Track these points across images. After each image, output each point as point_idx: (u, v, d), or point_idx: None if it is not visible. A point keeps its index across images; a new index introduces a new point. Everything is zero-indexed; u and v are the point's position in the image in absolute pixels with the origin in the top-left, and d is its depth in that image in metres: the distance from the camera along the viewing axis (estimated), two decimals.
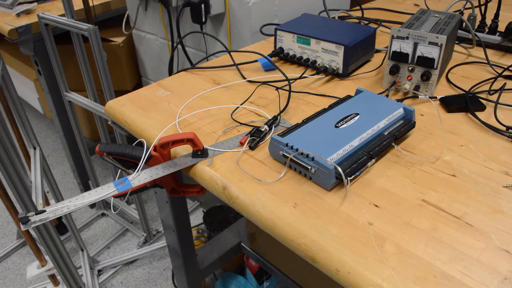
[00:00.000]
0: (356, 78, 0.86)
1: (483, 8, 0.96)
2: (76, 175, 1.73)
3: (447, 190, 0.56)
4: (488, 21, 0.96)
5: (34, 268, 1.18)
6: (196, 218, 1.71)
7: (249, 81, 0.84)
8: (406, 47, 0.75)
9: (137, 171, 0.59)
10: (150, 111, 0.75)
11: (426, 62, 0.75)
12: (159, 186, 0.63)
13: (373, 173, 0.59)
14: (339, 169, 0.53)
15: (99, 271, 1.50)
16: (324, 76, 0.86)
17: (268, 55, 0.90)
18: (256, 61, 0.90)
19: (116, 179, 0.59)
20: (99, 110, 1.32)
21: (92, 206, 1.81)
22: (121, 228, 1.68)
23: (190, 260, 1.04)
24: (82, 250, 1.46)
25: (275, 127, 0.68)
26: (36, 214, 0.53)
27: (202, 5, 1.10)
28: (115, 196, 0.57)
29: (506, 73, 0.83)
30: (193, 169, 0.62)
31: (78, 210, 1.81)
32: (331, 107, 0.69)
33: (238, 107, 0.75)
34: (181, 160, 0.62)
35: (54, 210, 0.53)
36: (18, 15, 1.37)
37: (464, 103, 0.73)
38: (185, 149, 0.64)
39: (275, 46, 0.94)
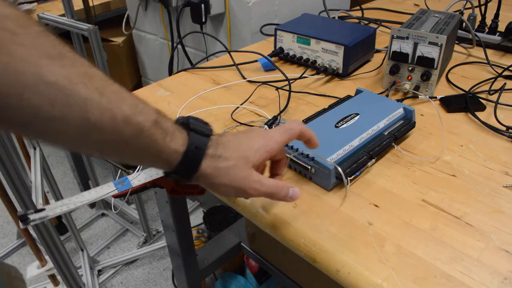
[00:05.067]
0: (356, 78, 0.86)
1: (483, 8, 0.96)
2: (76, 175, 1.73)
3: (447, 190, 0.56)
4: (488, 21, 0.96)
5: (34, 268, 1.18)
6: (196, 218, 1.71)
7: (249, 81, 0.84)
8: (406, 47, 0.75)
9: (137, 171, 0.59)
10: None
11: (426, 62, 0.75)
12: (159, 186, 0.63)
13: (373, 173, 0.59)
14: (339, 169, 0.53)
15: (99, 271, 1.50)
16: (324, 76, 0.86)
17: (268, 55, 0.90)
18: (256, 61, 0.90)
19: (116, 179, 0.59)
20: None
21: (92, 206, 1.81)
22: (121, 228, 1.68)
23: (190, 260, 1.04)
24: (82, 250, 1.46)
25: (275, 127, 0.68)
26: (36, 212, 0.53)
27: (202, 5, 1.10)
28: (115, 196, 0.57)
29: (506, 73, 0.83)
30: None
31: (78, 210, 1.81)
32: (331, 107, 0.69)
33: (238, 107, 0.75)
34: None
35: (54, 208, 0.53)
36: None
37: (464, 103, 0.73)
38: None
39: (275, 46, 0.94)
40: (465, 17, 0.96)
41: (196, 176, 0.44)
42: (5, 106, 0.31)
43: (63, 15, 1.23)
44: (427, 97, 0.77)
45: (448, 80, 0.84)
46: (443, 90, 0.81)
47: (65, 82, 0.33)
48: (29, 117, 0.33)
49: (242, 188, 0.44)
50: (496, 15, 0.94)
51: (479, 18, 0.98)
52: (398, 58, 0.77)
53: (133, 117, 0.38)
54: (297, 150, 0.57)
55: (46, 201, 1.51)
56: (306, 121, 0.65)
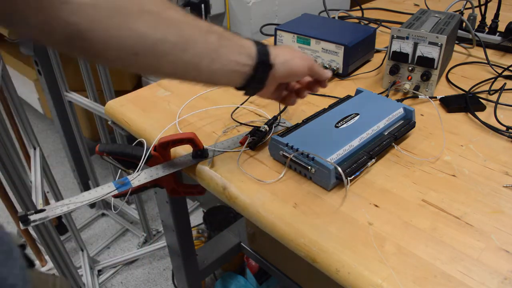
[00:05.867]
0: (356, 78, 0.86)
1: (483, 8, 0.96)
2: (76, 175, 1.73)
3: (447, 190, 0.56)
4: (488, 21, 0.96)
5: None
6: (196, 218, 1.71)
7: None
8: (406, 47, 0.75)
9: (137, 171, 0.59)
10: (150, 111, 0.75)
11: (426, 62, 0.75)
12: (159, 186, 0.63)
13: (373, 173, 0.59)
14: (339, 169, 0.53)
15: (99, 271, 1.50)
16: None
17: None
18: None
19: (116, 179, 0.59)
20: (99, 110, 1.32)
21: (92, 206, 1.81)
22: (121, 228, 1.68)
23: (190, 260, 1.04)
24: (82, 250, 1.46)
25: (275, 127, 0.68)
26: (36, 213, 0.53)
27: (202, 5, 1.10)
28: (115, 196, 0.57)
29: (506, 73, 0.83)
30: (193, 169, 0.62)
31: (78, 210, 1.81)
32: (331, 107, 0.69)
33: (238, 107, 0.75)
34: (181, 160, 0.62)
35: (54, 209, 0.53)
36: None
37: (464, 103, 0.73)
38: (185, 149, 0.64)
39: None
40: (465, 17, 0.96)
41: (274, 57, 0.52)
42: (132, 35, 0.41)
43: None
44: (427, 97, 0.77)
45: (448, 80, 0.84)
46: (443, 90, 0.81)
47: (159, 9, 0.43)
48: (138, 43, 0.42)
49: (308, 60, 0.56)
50: (496, 15, 0.94)
51: (479, 18, 0.98)
52: (398, 58, 0.77)
53: (211, 27, 0.48)
54: (297, 150, 0.57)
55: (46, 201, 1.51)
56: (306, 121, 0.65)
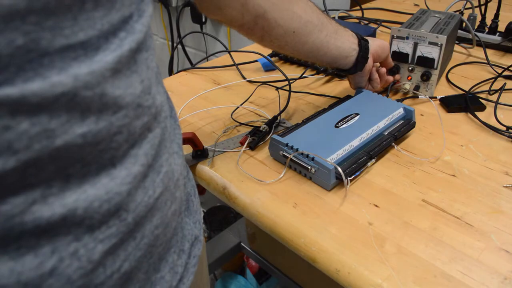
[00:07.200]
0: None
1: (483, 8, 0.96)
2: None
3: (447, 190, 0.56)
4: (488, 21, 0.96)
5: None
6: None
7: (249, 81, 0.84)
8: (406, 47, 0.75)
9: None
10: None
11: (426, 62, 0.75)
12: None
13: (373, 173, 0.59)
14: (339, 169, 0.53)
15: None
16: (324, 76, 0.86)
17: (268, 55, 0.90)
18: (256, 61, 0.90)
19: None
20: None
21: None
22: None
23: None
24: None
25: (275, 127, 0.68)
26: None
27: None
28: None
29: (506, 73, 0.83)
30: (193, 169, 0.62)
31: None
32: (331, 107, 0.69)
33: (238, 107, 0.75)
34: None
35: None
36: None
37: (464, 103, 0.73)
38: (185, 149, 0.64)
39: None
40: (465, 17, 0.96)
41: (367, 44, 0.66)
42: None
43: None
44: (427, 97, 0.77)
45: (448, 80, 0.84)
46: (443, 90, 0.81)
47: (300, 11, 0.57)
48: (295, 22, 0.57)
49: (388, 45, 0.72)
50: (496, 15, 0.94)
51: (479, 18, 0.98)
52: (398, 58, 0.77)
53: (328, 15, 0.62)
54: (297, 150, 0.57)
55: None
56: (306, 121, 0.65)
